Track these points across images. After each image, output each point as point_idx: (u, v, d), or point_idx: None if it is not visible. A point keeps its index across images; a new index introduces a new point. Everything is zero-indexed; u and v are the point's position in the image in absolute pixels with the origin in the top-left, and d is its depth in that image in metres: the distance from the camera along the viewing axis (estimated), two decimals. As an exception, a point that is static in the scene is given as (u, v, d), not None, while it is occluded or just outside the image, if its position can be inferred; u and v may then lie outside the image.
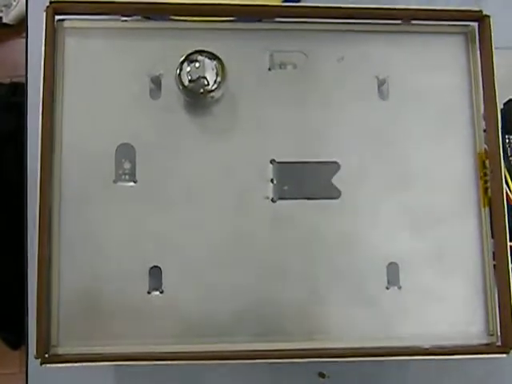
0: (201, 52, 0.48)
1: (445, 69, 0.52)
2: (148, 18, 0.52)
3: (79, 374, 0.54)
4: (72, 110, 0.49)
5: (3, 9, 1.33)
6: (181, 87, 0.48)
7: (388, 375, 0.57)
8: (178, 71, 0.48)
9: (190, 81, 0.48)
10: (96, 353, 0.47)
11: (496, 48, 0.50)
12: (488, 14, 0.51)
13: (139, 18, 0.51)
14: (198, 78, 0.48)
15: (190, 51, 0.48)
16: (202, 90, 0.48)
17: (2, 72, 1.31)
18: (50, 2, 0.48)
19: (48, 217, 0.47)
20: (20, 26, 1.36)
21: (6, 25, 1.36)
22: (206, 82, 0.48)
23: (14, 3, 1.33)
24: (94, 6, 0.49)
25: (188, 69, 0.48)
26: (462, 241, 0.50)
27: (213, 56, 0.48)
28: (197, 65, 0.48)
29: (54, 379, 0.55)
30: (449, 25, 0.53)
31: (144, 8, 0.50)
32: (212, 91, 0.48)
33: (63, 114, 0.49)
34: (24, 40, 0.61)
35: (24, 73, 0.60)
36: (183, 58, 0.48)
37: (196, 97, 0.49)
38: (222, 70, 0.48)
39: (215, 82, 0.48)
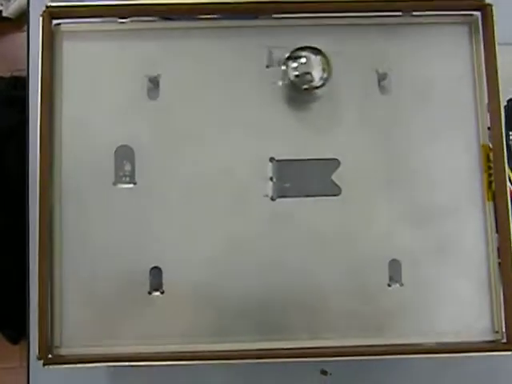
0: (306, 48, 0.49)
1: (447, 60, 0.51)
2: (156, 19, 0.52)
3: (78, 370, 0.55)
4: (71, 113, 0.50)
5: (3, 2, 1.35)
6: (286, 82, 0.49)
7: (390, 372, 0.57)
8: (284, 67, 0.49)
9: (295, 76, 0.48)
10: (98, 353, 0.48)
11: (501, 44, 0.49)
12: (490, 3, 0.49)
13: (136, 19, 0.51)
14: (304, 73, 0.48)
15: (295, 47, 0.49)
16: (306, 86, 0.48)
17: (2, 66, 1.32)
18: (46, 7, 0.49)
19: (49, 218, 0.48)
20: (20, 20, 1.36)
21: (5, 18, 1.37)
22: (311, 78, 0.48)
23: None
24: (89, 9, 0.50)
25: (294, 65, 0.48)
26: (466, 236, 0.49)
27: (318, 52, 0.48)
28: (303, 60, 0.48)
29: (54, 374, 0.56)
30: (451, 15, 0.51)
31: (139, 9, 0.50)
32: (317, 87, 0.48)
33: (62, 117, 0.50)
34: (24, 34, 0.61)
35: (24, 66, 0.61)
36: (288, 54, 0.49)
37: (300, 92, 0.49)
38: (327, 65, 0.48)
39: (321, 78, 0.48)
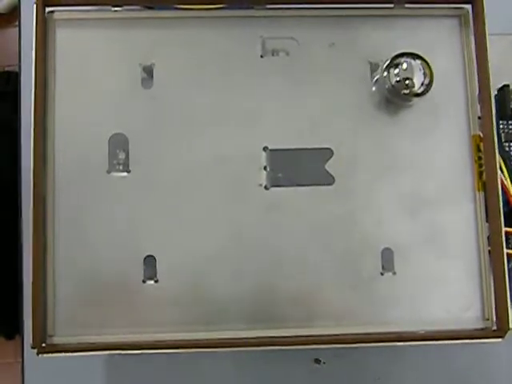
0: (406, 54, 0.49)
1: (438, 52, 0.52)
2: (150, 8, 0.52)
3: (73, 363, 0.55)
4: (64, 101, 0.50)
5: (-5, -2, 1.34)
6: (387, 88, 0.49)
7: (383, 361, 0.57)
8: (384, 74, 0.49)
9: (397, 81, 0.49)
10: (92, 342, 0.47)
11: (491, 34, 0.50)
12: (481, -5, 0.50)
13: (130, 7, 0.51)
14: (405, 79, 0.48)
15: (395, 54, 0.49)
16: (407, 92, 0.49)
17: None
18: (40, -6, 0.48)
19: (42, 207, 0.48)
20: (12, 15, 1.35)
21: None
22: (412, 84, 0.48)
23: None
24: (84, -4, 0.49)
25: (396, 71, 0.48)
26: (457, 225, 0.50)
27: (418, 57, 0.49)
28: (404, 66, 0.48)
29: (50, 369, 0.56)
30: (442, 7, 0.52)
31: (134, -2, 0.50)
32: (418, 94, 0.49)
33: (55, 106, 0.49)
34: (14, 29, 0.61)
35: (16, 62, 0.60)
36: (388, 61, 0.49)
37: (400, 98, 0.50)
38: (429, 70, 0.49)
39: (422, 84, 0.49)
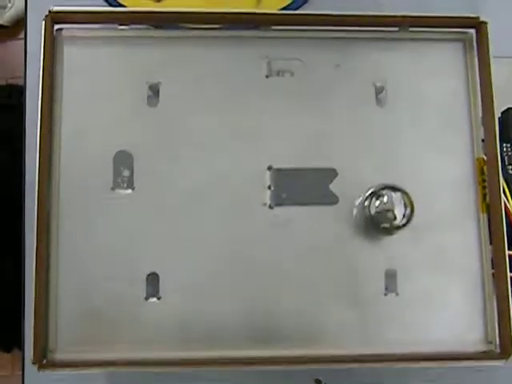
0: (386, 188, 0.49)
1: (443, 76, 0.52)
2: (157, 27, 0.52)
3: (74, 379, 0.54)
4: (70, 118, 0.50)
5: (-1, 10, 1.35)
6: (367, 217, 0.49)
7: (385, 382, 0.57)
8: (365, 203, 0.49)
9: (377, 212, 0.49)
10: (93, 359, 0.47)
11: (494, 57, 0.50)
12: (485, 20, 0.51)
13: (137, 26, 0.51)
14: (386, 211, 0.48)
15: (376, 187, 0.49)
16: (388, 225, 0.49)
17: (-2, 74, 1.31)
18: (49, 12, 0.49)
19: (46, 223, 0.48)
20: (15, 28, 1.36)
21: (1, 26, 1.36)
22: (394, 216, 0.48)
23: (9, 4, 1.33)
24: (92, 15, 0.50)
25: (377, 203, 0.48)
26: (461, 247, 0.50)
27: (396, 189, 0.49)
28: (385, 199, 0.48)
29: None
30: (446, 31, 0.53)
31: (141, 17, 0.51)
32: (400, 227, 0.49)
33: (61, 122, 0.50)
34: (20, 42, 0.61)
35: (20, 74, 0.60)
36: (369, 192, 0.49)
37: (380, 228, 0.49)
38: (408, 200, 0.49)
39: (404, 215, 0.48)
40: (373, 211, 0.48)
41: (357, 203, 0.50)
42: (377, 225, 0.49)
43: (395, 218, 0.48)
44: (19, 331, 0.55)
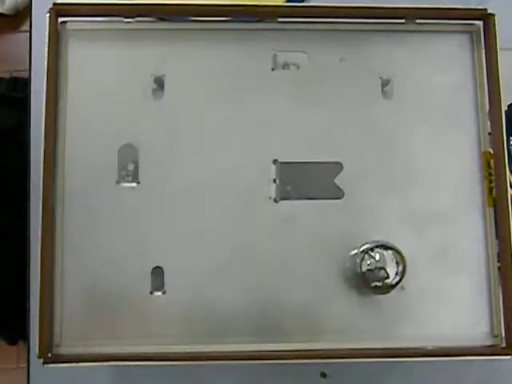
0: (379, 246, 0.48)
1: (449, 68, 0.52)
2: (162, 19, 0.52)
3: (79, 372, 0.55)
4: (75, 111, 0.50)
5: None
6: (359, 275, 0.48)
7: (390, 376, 0.57)
8: (356, 260, 0.48)
9: (368, 270, 0.48)
10: (98, 353, 0.47)
11: (500, 49, 0.50)
12: (493, 12, 0.50)
13: (142, 19, 0.51)
14: (378, 268, 0.47)
15: (368, 246, 0.48)
16: (380, 284, 0.48)
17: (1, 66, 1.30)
18: (54, 4, 0.49)
19: (51, 217, 0.48)
20: (17, 19, 1.35)
21: (1, 15, 1.35)
22: (386, 274, 0.47)
23: None
24: (96, 8, 0.50)
25: (368, 261, 0.48)
26: (467, 241, 0.50)
27: (389, 247, 0.48)
28: (377, 257, 0.48)
29: (54, 376, 0.56)
30: (453, 23, 0.52)
31: (146, 9, 0.50)
32: (393, 285, 0.48)
33: (66, 115, 0.50)
34: (23, 34, 0.61)
35: (23, 67, 0.60)
36: (362, 250, 0.48)
37: (371, 287, 0.48)
38: (400, 257, 0.48)
39: (396, 273, 0.47)
40: (364, 269, 0.47)
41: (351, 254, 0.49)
42: (367, 283, 0.48)
43: (388, 277, 0.47)
44: (24, 324, 0.55)
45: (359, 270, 0.47)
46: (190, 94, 0.51)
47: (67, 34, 0.50)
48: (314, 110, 0.51)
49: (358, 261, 0.48)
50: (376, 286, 0.47)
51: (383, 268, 0.47)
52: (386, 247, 0.48)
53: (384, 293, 0.48)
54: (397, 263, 0.47)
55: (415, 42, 0.52)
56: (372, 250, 0.48)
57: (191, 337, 0.48)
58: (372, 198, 0.50)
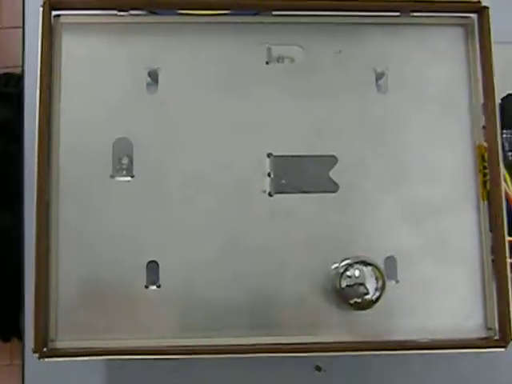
0: (358, 262, 0.48)
1: (444, 61, 0.52)
2: (156, 13, 0.52)
3: (74, 368, 0.55)
4: (69, 105, 0.49)
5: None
6: (338, 291, 0.48)
7: (385, 369, 0.57)
8: (337, 277, 0.48)
9: (347, 286, 0.47)
10: (93, 347, 0.47)
11: (495, 42, 0.50)
12: (487, 5, 0.50)
13: (136, 12, 0.51)
14: (358, 284, 0.47)
15: (348, 262, 0.48)
16: (360, 300, 0.47)
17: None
18: (47, -3, 0.48)
19: (45, 211, 0.48)
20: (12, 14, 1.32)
21: None
22: (365, 291, 0.47)
23: None
24: (91, 1, 0.49)
25: (348, 278, 0.47)
26: (461, 234, 0.50)
27: (368, 264, 0.47)
28: (356, 273, 0.47)
29: (49, 372, 0.56)
30: (448, 16, 0.52)
31: (140, 3, 0.50)
32: (373, 301, 0.47)
33: (60, 109, 0.49)
34: (15, 30, 0.60)
35: (16, 63, 0.60)
36: (341, 265, 0.48)
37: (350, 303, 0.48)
38: (379, 273, 0.47)
39: (376, 289, 0.47)
40: (344, 285, 0.47)
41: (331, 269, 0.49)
42: (346, 299, 0.48)
43: (367, 293, 0.47)
44: (17, 321, 0.55)
45: (338, 287, 0.47)
46: (185, 88, 0.50)
47: (61, 28, 0.50)
48: (309, 103, 0.51)
49: (338, 277, 0.48)
50: (355, 302, 0.47)
51: (363, 284, 0.47)
52: (365, 263, 0.47)
53: (363, 309, 0.48)
54: (376, 279, 0.47)
55: (410, 34, 0.52)
56: (352, 265, 0.47)
57: (186, 331, 0.48)
58: (367, 191, 0.50)
